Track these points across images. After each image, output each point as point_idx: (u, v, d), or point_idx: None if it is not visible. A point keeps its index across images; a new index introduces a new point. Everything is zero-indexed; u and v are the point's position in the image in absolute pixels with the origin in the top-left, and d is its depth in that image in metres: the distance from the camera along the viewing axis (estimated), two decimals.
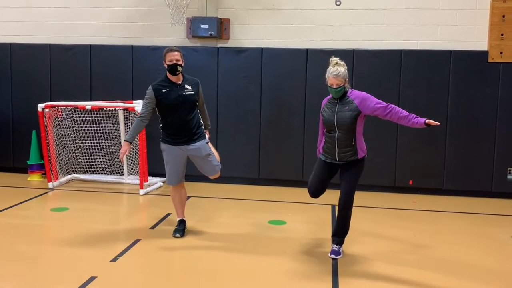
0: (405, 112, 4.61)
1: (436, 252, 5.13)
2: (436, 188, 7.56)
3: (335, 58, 4.74)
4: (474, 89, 7.34)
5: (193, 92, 5.23)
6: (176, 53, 5.12)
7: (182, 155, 5.28)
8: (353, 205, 4.85)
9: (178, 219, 5.56)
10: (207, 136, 5.47)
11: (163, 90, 5.13)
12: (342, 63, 4.71)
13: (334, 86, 4.66)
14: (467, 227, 6.08)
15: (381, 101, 4.69)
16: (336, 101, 4.76)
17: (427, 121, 4.51)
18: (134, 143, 7.64)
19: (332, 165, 4.86)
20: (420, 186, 7.58)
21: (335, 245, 4.94)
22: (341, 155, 4.75)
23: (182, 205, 5.56)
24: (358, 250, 5.09)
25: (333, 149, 4.77)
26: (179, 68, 5.13)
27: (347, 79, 4.70)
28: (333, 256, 4.87)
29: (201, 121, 5.40)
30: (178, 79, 5.20)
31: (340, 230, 4.92)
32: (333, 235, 5.00)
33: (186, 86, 5.21)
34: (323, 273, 4.52)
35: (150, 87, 5.19)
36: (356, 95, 4.74)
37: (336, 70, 4.63)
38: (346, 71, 4.69)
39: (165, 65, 5.13)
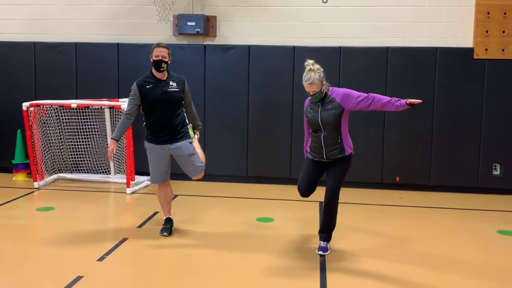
0: (386, 98, 4.61)
1: (422, 248, 5.16)
2: (422, 184, 7.61)
3: (309, 62, 4.67)
4: (459, 86, 7.40)
5: (178, 89, 5.18)
6: (163, 49, 5.07)
7: (165, 154, 5.24)
8: (340, 201, 4.87)
9: (164, 218, 5.54)
10: (197, 136, 5.43)
11: (147, 86, 5.09)
12: (316, 67, 4.62)
13: (311, 93, 4.66)
14: (454, 222, 6.13)
15: (361, 93, 4.68)
16: (318, 102, 4.75)
17: (409, 101, 4.50)
18: (121, 141, 7.59)
19: (321, 164, 4.88)
20: (407, 183, 7.63)
21: (322, 242, 4.95)
22: (328, 153, 4.76)
23: (168, 204, 5.53)
24: (346, 246, 5.11)
25: (320, 148, 4.78)
26: (164, 65, 5.08)
27: (324, 82, 4.65)
28: (320, 252, 4.88)
29: (186, 121, 5.34)
30: (163, 75, 5.15)
31: (326, 226, 4.94)
32: (320, 232, 5.02)
33: (171, 83, 5.16)
34: (311, 270, 4.53)
35: (134, 83, 5.15)
36: (337, 92, 4.73)
37: (310, 78, 4.58)
38: (322, 74, 4.62)
39: (151, 60, 5.09)
